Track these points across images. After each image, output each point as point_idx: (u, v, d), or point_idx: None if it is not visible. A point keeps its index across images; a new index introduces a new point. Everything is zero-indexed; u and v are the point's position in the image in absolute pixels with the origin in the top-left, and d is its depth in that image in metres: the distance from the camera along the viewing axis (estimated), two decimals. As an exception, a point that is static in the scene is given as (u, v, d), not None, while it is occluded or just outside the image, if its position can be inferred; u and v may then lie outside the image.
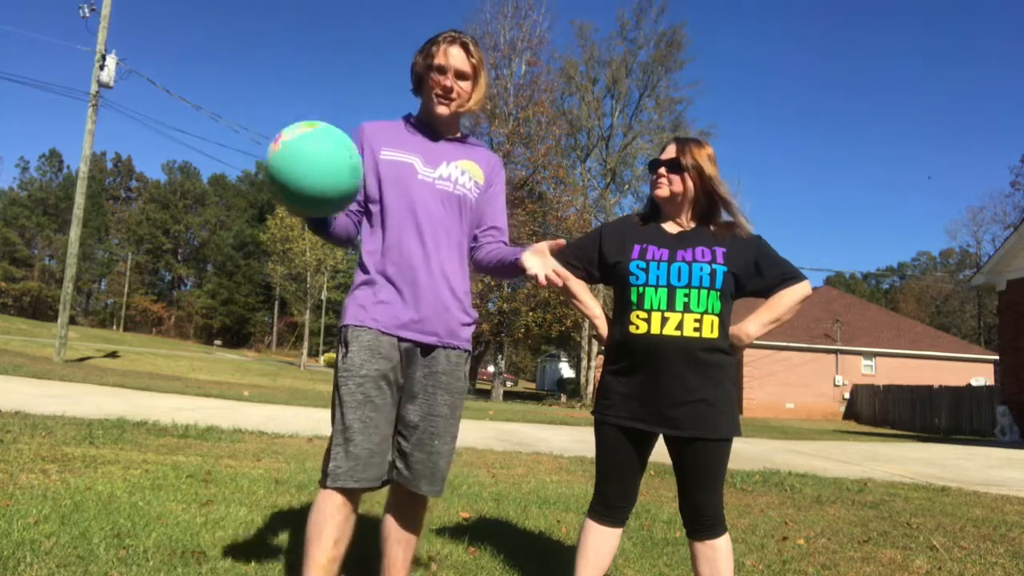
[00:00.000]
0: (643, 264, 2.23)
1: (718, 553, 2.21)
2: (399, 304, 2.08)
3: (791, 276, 2.27)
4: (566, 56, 35.67)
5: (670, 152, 2.31)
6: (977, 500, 5.74)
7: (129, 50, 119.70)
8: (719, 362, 2.18)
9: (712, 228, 2.29)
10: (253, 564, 2.68)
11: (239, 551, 2.81)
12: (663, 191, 2.29)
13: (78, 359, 21.07)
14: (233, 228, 78.75)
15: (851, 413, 31.78)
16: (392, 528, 2.17)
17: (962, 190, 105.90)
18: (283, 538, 3.08)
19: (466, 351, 2.19)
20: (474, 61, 2.18)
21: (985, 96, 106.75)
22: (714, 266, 2.18)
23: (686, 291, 2.17)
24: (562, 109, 34.36)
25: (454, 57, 2.14)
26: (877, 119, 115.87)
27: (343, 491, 1.97)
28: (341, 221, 2.16)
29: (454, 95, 2.16)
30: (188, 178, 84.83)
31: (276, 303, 69.72)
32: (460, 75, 2.16)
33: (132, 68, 20.39)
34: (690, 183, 2.27)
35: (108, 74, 19.26)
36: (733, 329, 2.25)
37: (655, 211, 2.38)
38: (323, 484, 1.98)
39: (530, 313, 29.94)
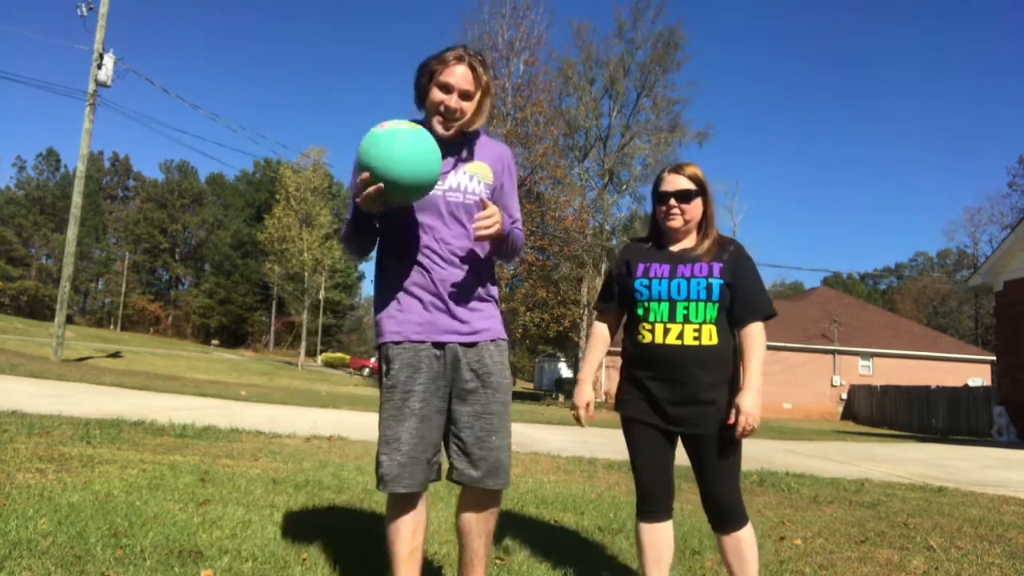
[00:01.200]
0: (646, 282, 2.42)
1: (742, 543, 2.37)
2: (433, 315, 2.19)
3: (750, 312, 2.38)
4: (564, 56, 35.62)
5: (676, 183, 2.44)
6: (974, 500, 5.74)
7: (127, 49, 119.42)
8: (718, 366, 2.36)
9: (708, 243, 2.45)
10: (250, 564, 2.68)
11: (236, 551, 2.80)
12: (676, 222, 2.44)
13: (76, 359, 21.03)
14: (231, 227, 78.61)
15: (849, 413, 31.84)
16: (471, 524, 2.25)
17: (959, 191, 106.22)
18: (281, 538, 3.08)
19: (505, 340, 2.32)
20: (481, 81, 2.20)
21: (983, 97, 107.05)
22: (710, 280, 2.36)
23: (685, 304, 2.36)
24: (560, 109, 34.33)
25: (459, 76, 2.16)
26: (875, 119, 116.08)
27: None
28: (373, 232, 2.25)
29: (457, 115, 2.19)
30: (186, 177, 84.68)
31: (274, 303, 69.56)
32: (464, 95, 2.18)
33: (130, 67, 20.40)
34: (699, 210, 2.45)
35: (106, 73, 19.24)
36: (739, 415, 2.28)
37: (659, 234, 2.53)
38: (378, 488, 2.17)
39: (528, 313, 29.94)
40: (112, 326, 70.81)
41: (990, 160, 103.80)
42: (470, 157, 2.31)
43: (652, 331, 2.38)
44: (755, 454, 9.28)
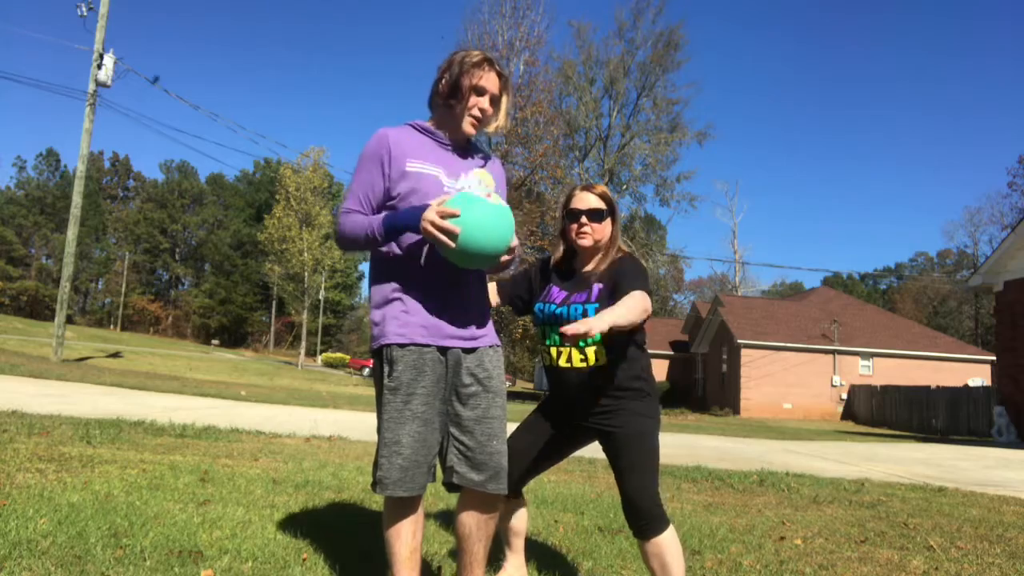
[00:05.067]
0: (542, 305, 2.50)
1: (662, 548, 2.34)
2: (438, 317, 2.20)
3: (629, 287, 2.35)
4: (564, 56, 35.66)
5: (587, 201, 2.48)
6: (974, 500, 5.74)
7: (127, 49, 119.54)
8: (613, 383, 2.39)
9: (607, 263, 2.46)
10: (250, 564, 2.68)
11: (236, 551, 2.80)
12: (587, 241, 2.47)
13: (77, 359, 21.03)
14: (231, 227, 78.64)
15: (849, 413, 31.82)
16: (471, 528, 2.27)
17: (959, 191, 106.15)
18: (281, 538, 3.08)
19: (500, 346, 2.38)
20: (506, 84, 2.33)
21: (983, 97, 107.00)
22: (586, 306, 2.38)
23: None
24: (560, 109, 34.32)
25: (491, 82, 2.28)
26: (875, 119, 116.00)
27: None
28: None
29: (484, 117, 2.30)
30: (186, 177, 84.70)
31: (274, 303, 69.64)
32: (493, 99, 2.30)
33: (130, 67, 20.39)
34: (608, 231, 2.50)
35: (106, 73, 19.24)
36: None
37: (571, 253, 2.57)
38: (373, 490, 2.18)
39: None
40: (112, 326, 70.79)
41: (990, 160, 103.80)
42: (476, 162, 2.37)
43: (549, 355, 2.45)
44: (755, 454, 9.28)
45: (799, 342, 32.60)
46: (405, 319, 2.19)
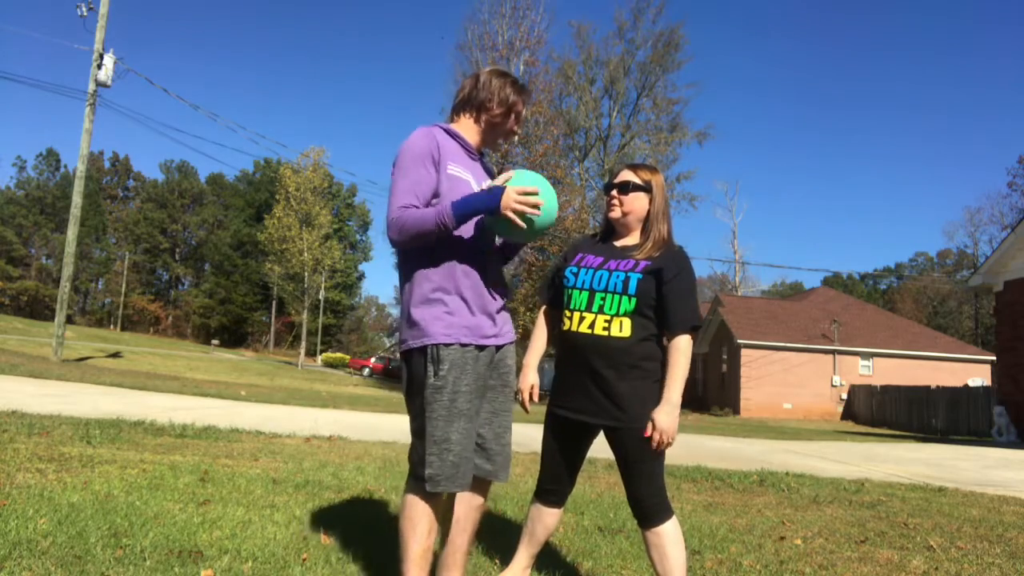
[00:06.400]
0: (575, 269, 2.51)
1: (663, 539, 2.38)
2: (477, 316, 2.27)
3: (676, 322, 2.38)
4: (564, 56, 35.63)
5: (620, 175, 2.57)
6: (974, 500, 5.74)
7: (127, 49, 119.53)
8: (624, 358, 2.38)
9: (650, 243, 2.48)
10: (250, 564, 2.68)
11: (236, 551, 2.81)
12: (614, 212, 2.54)
13: (77, 359, 21.03)
14: (231, 227, 78.56)
15: (849, 413, 31.83)
16: (460, 515, 2.35)
17: (959, 191, 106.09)
18: (281, 537, 3.08)
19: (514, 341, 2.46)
20: None
21: (983, 97, 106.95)
22: (629, 274, 2.40)
23: (603, 295, 2.42)
24: (560, 109, 34.32)
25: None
26: (875, 119, 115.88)
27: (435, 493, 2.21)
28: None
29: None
30: (186, 177, 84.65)
31: (274, 303, 69.57)
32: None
33: (130, 67, 20.39)
34: (638, 205, 2.51)
35: (106, 73, 19.24)
36: (654, 430, 2.32)
37: (610, 230, 2.63)
38: (424, 488, 2.18)
39: (528, 313, 29.93)
40: (112, 326, 70.78)
41: (990, 160, 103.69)
42: (486, 171, 2.50)
43: (571, 319, 2.46)
44: (755, 454, 9.28)
45: (799, 342, 32.61)
46: (449, 320, 2.23)
